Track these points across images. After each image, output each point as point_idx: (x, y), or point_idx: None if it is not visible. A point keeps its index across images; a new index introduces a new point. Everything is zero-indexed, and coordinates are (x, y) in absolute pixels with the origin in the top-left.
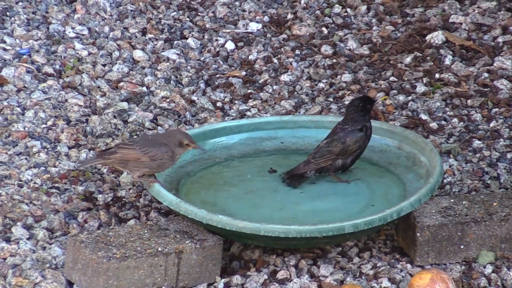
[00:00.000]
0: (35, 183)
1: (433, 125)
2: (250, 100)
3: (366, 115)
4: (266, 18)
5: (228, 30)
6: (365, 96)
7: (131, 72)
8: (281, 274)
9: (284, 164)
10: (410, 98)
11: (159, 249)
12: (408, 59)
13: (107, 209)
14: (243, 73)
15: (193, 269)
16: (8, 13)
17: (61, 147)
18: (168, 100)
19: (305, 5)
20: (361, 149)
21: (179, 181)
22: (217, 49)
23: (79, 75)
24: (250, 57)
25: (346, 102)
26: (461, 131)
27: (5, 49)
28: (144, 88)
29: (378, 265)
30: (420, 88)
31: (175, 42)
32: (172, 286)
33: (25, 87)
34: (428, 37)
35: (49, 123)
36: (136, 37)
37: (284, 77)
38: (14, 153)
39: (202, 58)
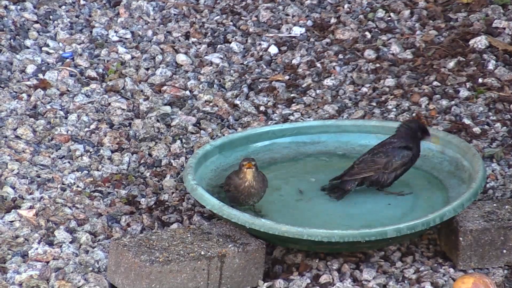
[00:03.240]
0: (78, 186)
1: (476, 129)
2: (293, 104)
3: (415, 140)
4: (309, 23)
5: (271, 34)
6: (423, 125)
7: (174, 76)
8: (324, 278)
9: (327, 168)
10: (453, 102)
11: (202, 253)
12: (451, 64)
13: (150, 212)
14: (286, 77)
15: (235, 273)
16: (51, 17)
17: (104, 151)
18: (211, 104)
19: (348, 9)
20: (405, 168)
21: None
22: (260, 53)
23: (122, 79)
24: (293, 61)
25: (389, 107)
26: (504, 135)
27: (48, 53)
28: (187, 92)
29: (420, 269)
30: (463, 93)
31: (218, 46)
32: None
33: (68, 90)
34: (471, 42)
35: (92, 126)
36: (179, 41)
37: (327, 82)
38: (57, 156)
39: (245, 62)
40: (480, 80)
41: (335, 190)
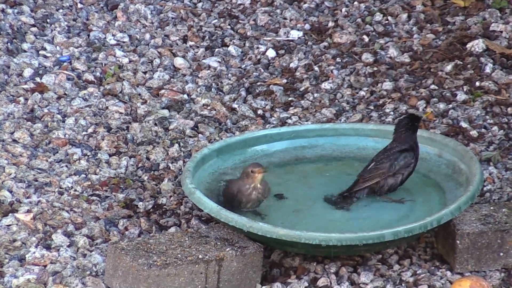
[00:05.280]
0: (75, 190)
1: (473, 133)
2: (291, 108)
3: (415, 133)
4: (307, 26)
5: (269, 38)
6: (410, 114)
7: (172, 79)
8: (321, 282)
9: (324, 172)
10: (450, 106)
11: (200, 256)
12: (448, 67)
13: (148, 216)
14: (284, 80)
15: (233, 277)
16: (48, 20)
17: (101, 155)
18: (209, 107)
19: (346, 13)
20: (410, 169)
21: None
22: (258, 57)
23: (119, 83)
24: (291, 65)
25: (386, 110)
26: (501, 139)
27: (45, 56)
28: (185, 96)
29: (418, 272)
30: (461, 96)
31: (216, 49)
32: None
33: (65, 94)
34: (468, 45)
35: (90, 130)
36: (177, 44)
37: (325, 85)
38: (54, 160)
39: (243, 66)
40: (477, 84)
41: (344, 201)
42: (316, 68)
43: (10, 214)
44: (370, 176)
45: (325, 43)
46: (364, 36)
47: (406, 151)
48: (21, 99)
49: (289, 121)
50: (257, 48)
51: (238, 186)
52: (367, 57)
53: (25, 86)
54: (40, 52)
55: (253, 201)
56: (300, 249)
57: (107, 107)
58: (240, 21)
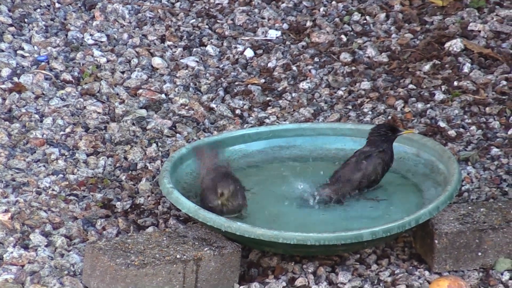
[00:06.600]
0: (53, 190)
1: (452, 132)
2: (269, 108)
3: (388, 143)
4: (285, 26)
5: (247, 38)
6: (391, 125)
7: (149, 79)
8: (299, 281)
9: (302, 171)
10: (428, 105)
11: (178, 256)
12: (426, 67)
13: (126, 216)
14: (262, 80)
15: (211, 277)
16: (26, 20)
17: (79, 154)
18: (187, 107)
19: (324, 12)
20: (381, 173)
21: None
22: (236, 57)
23: (97, 82)
24: (269, 64)
25: (364, 110)
26: (479, 138)
27: (23, 56)
28: (163, 95)
29: (396, 272)
30: (439, 96)
31: (194, 49)
32: None
33: (43, 94)
34: (446, 45)
35: (68, 130)
36: (155, 44)
37: (303, 85)
38: (32, 160)
39: (221, 66)
40: (455, 83)
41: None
42: (294, 68)
43: None
44: (342, 188)
45: (303, 43)
46: (342, 36)
47: (377, 157)
48: None
49: (267, 120)
50: (235, 47)
51: (209, 200)
52: (345, 56)
53: (2, 86)
54: (18, 51)
55: (228, 212)
56: (278, 249)
57: (85, 107)
58: (218, 21)
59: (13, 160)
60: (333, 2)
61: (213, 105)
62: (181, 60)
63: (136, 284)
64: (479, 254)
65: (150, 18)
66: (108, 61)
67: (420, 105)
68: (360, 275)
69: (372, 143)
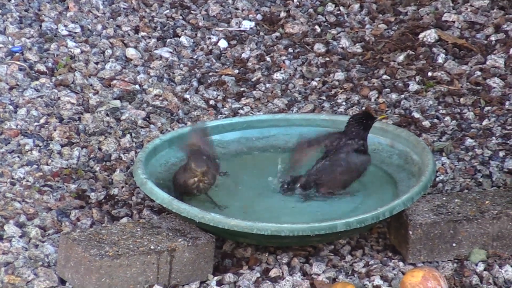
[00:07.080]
0: (27, 181)
1: (426, 123)
2: (243, 98)
3: (366, 131)
4: (259, 16)
5: (221, 28)
6: (367, 112)
7: (123, 70)
8: (273, 272)
9: (276, 162)
10: (402, 96)
11: (152, 247)
12: (400, 58)
13: (100, 207)
14: (236, 71)
15: (185, 267)
16: (0, 11)
17: (53, 145)
18: (160, 98)
19: (298, 3)
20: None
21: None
22: (210, 47)
23: (71, 73)
24: (243, 55)
25: (338, 100)
26: (453, 129)
27: None
28: (137, 86)
29: (370, 263)
30: (413, 87)
31: (168, 40)
32: (165, 284)
33: (17, 85)
34: (421, 36)
35: (42, 121)
36: (128, 35)
37: (277, 75)
38: (6, 151)
39: (195, 56)
40: (429, 74)
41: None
42: (268, 59)
43: None
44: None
45: (277, 34)
46: (316, 27)
47: (363, 153)
48: None
49: (241, 111)
50: (209, 38)
51: (184, 179)
52: (319, 47)
53: None
54: None
55: (202, 190)
56: (252, 240)
57: (59, 98)
58: (192, 12)
59: None
60: None
61: (187, 95)
62: (155, 51)
63: (110, 275)
64: (454, 245)
65: (124, 9)
66: (82, 52)
67: (394, 96)
68: (334, 266)
69: (352, 133)
